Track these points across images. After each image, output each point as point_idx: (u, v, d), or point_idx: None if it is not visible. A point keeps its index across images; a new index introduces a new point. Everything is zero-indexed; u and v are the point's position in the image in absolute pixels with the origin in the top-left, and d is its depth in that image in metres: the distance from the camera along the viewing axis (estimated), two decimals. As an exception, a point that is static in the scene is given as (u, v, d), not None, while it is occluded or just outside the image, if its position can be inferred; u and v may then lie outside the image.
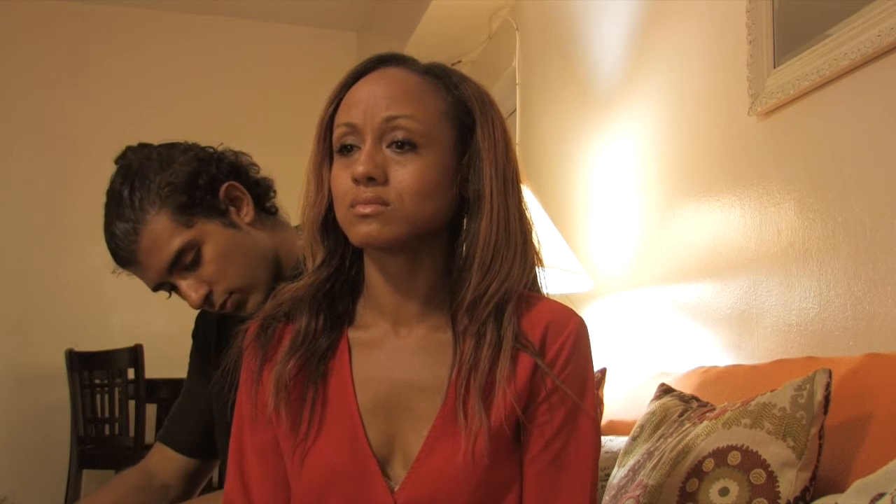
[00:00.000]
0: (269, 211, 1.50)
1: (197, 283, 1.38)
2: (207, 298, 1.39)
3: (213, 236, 1.38)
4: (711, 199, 1.98)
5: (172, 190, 1.36)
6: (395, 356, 1.01)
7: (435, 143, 0.96)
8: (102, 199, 1.40)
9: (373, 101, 0.96)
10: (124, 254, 1.37)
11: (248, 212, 1.44)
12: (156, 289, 1.42)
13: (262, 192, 1.49)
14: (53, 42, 4.59)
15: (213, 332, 1.57)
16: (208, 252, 1.38)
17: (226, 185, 1.42)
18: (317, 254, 1.02)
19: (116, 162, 1.43)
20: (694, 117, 2.09)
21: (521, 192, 1.02)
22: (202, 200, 1.39)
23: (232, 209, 1.42)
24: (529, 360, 0.96)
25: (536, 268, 1.03)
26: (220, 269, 1.38)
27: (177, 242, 1.35)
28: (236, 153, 1.48)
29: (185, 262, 1.37)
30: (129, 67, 4.65)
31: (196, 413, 1.58)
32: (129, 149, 1.43)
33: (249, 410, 1.04)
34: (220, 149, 1.46)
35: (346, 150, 0.97)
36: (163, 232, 1.35)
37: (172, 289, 1.42)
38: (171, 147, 1.42)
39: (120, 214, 1.36)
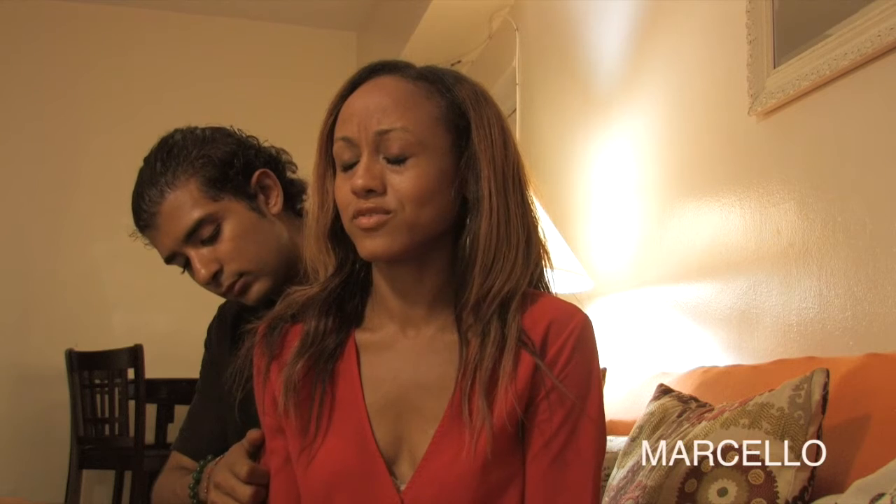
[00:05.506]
0: (299, 213, 1.51)
1: (209, 258, 1.39)
2: (215, 277, 1.40)
3: (235, 215, 1.40)
4: (711, 199, 1.97)
5: (206, 162, 1.39)
6: (404, 357, 1.01)
7: (430, 150, 0.97)
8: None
9: (365, 114, 0.97)
10: (146, 215, 1.39)
11: (276, 202, 1.46)
12: (168, 259, 1.43)
13: (294, 192, 1.51)
14: (53, 42, 4.59)
15: (228, 343, 1.57)
16: (227, 229, 1.39)
17: (259, 171, 1.44)
18: (328, 263, 1.03)
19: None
20: (694, 117, 2.08)
21: (523, 190, 1.03)
22: (233, 179, 1.41)
23: (261, 196, 1.45)
24: (531, 359, 0.96)
25: (543, 263, 1.04)
26: (235, 248, 1.39)
27: (199, 212, 1.37)
28: (278, 149, 1.51)
29: (203, 234, 1.38)
30: (128, 67, 4.65)
31: (209, 424, 1.57)
32: (177, 130, 1.47)
33: (263, 420, 1.06)
34: (264, 143, 1.50)
35: (346, 162, 0.98)
36: (188, 200, 1.37)
37: (185, 264, 1.42)
38: (216, 129, 1.46)
39: (153, 181, 1.38)
